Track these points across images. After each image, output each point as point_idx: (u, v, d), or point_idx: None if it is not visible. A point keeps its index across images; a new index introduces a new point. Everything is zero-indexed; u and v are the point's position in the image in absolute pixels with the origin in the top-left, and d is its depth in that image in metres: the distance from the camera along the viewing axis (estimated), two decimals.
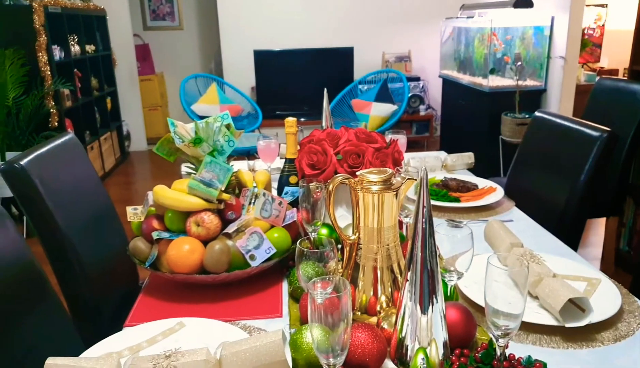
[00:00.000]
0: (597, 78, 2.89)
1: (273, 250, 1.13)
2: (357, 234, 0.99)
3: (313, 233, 1.19)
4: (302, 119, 5.05)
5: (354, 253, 1.00)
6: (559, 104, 3.76)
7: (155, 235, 1.13)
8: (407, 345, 0.81)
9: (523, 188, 1.80)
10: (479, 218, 1.52)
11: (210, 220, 1.12)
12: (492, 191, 1.67)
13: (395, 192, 0.95)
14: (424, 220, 0.77)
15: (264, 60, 5.06)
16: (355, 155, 1.25)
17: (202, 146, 1.16)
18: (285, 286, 1.16)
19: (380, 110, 4.33)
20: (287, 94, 5.18)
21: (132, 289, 1.74)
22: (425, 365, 0.77)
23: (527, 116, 3.67)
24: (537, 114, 1.86)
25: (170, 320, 1.00)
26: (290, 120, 1.37)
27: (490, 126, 3.89)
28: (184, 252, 1.08)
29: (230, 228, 1.13)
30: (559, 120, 1.74)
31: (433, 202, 1.58)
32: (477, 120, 4.12)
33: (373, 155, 1.25)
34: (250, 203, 1.19)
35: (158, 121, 6.02)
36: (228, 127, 1.19)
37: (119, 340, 0.94)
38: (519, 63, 3.78)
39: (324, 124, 1.68)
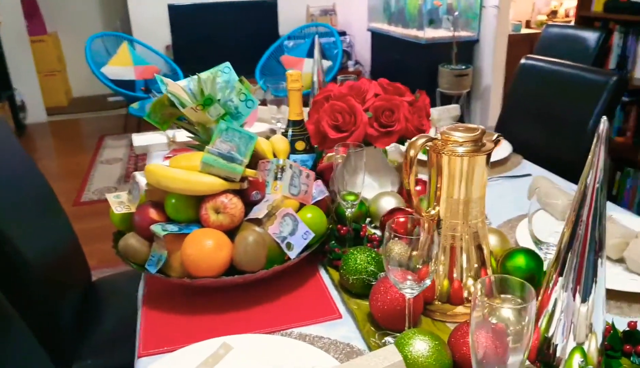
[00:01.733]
0: (544, 26, 2.89)
1: (311, 234, 0.91)
2: (436, 208, 0.81)
3: (350, 209, 0.99)
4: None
5: (431, 232, 0.81)
6: (493, 55, 3.78)
7: (159, 229, 0.85)
8: (556, 345, 0.65)
9: (518, 143, 1.71)
10: (490, 176, 1.40)
11: (234, 205, 0.87)
12: (498, 145, 1.55)
13: (486, 155, 0.77)
14: (597, 185, 0.60)
15: (180, 16, 4.56)
16: (388, 111, 1.04)
17: (210, 109, 0.89)
18: (325, 277, 0.95)
19: (310, 68, 4.10)
20: (207, 52, 4.74)
21: (87, 289, 1.43)
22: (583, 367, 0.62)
23: (464, 67, 3.65)
24: (524, 61, 1.75)
25: (208, 342, 0.75)
26: (295, 73, 1.12)
27: (428, 79, 3.83)
28: (207, 250, 0.82)
29: (259, 213, 0.89)
30: (554, 67, 1.64)
31: None
32: (413, 74, 4.04)
33: (409, 111, 1.05)
34: (275, 178, 0.95)
35: (57, 88, 5.29)
36: (241, 82, 0.92)
37: None
38: (456, 13, 3.72)
39: (315, 78, 1.44)
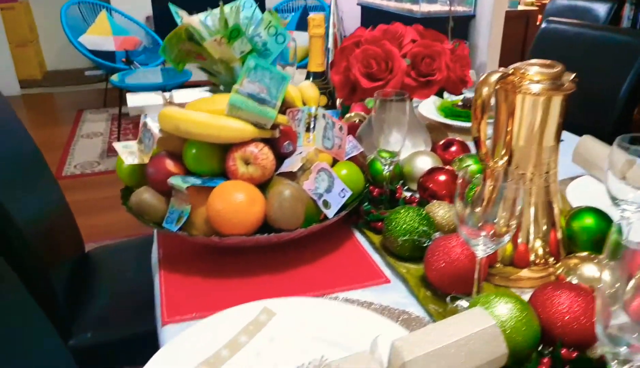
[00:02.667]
0: None
1: (348, 192, 0.80)
2: (504, 158, 0.71)
3: (388, 167, 0.88)
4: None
5: (495, 185, 0.71)
6: (490, 31, 3.70)
7: (179, 182, 0.74)
8: None
9: None
10: None
11: (265, 155, 0.75)
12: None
13: (564, 96, 0.68)
14: None
15: None
16: (428, 58, 0.94)
17: (236, 43, 0.77)
18: (363, 241, 0.85)
19: (303, 40, 3.96)
20: None
21: (80, 258, 1.31)
22: None
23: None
24: (546, 25, 1.67)
25: (245, 307, 0.65)
26: (317, 17, 1.01)
27: None
28: (239, 204, 0.71)
29: (293, 166, 0.78)
30: (580, 30, 1.56)
31: (463, 124, 1.34)
32: None
33: (451, 59, 0.95)
34: (307, 129, 0.83)
35: (30, 60, 5.02)
36: (271, 14, 0.80)
37: (178, 351, 0.58)
38: None
39: (331, 30, 1.33)
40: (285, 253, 0.80)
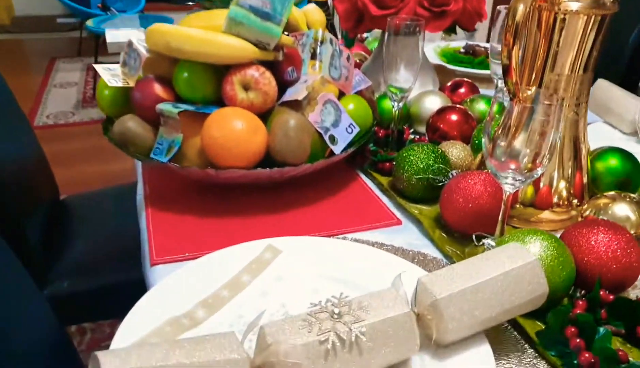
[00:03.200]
0: None
1: (355, 128, 0.73)
2: (532, 88, 0.64)
3: (398, 104, 0.81)
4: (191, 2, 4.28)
5: (521, 118, 0.65)
6: None
7: (169, 108, 0.65)
8: None
9: None
10: None
11: (267, 80, 0.67)
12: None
13: (605, 15, 0.61)
14: None
15: None
16: None
17: None
18: (369, 183, 0.79)
19: None
20: None
21: (55, 206, 1.22)
22: None
23: None
24: None
25: (246, 246, 0.58)
26: None
27: None
28: (238, 132, 0.63)
29: (297, 94, 0.70)
30: None
31: (467, 70, 1.27)
32: None
33: None
34: (313, 56, 0.75)
35: None
36: None
37: (171, 291, 0.51)
38: None
39: None
40: (285, 194, 0.73)
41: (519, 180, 0.56)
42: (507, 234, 0.54)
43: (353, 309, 0.43)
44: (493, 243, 0.58)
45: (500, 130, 0.56)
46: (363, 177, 0.80)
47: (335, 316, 0.42)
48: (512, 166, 0.56)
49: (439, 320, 0.44)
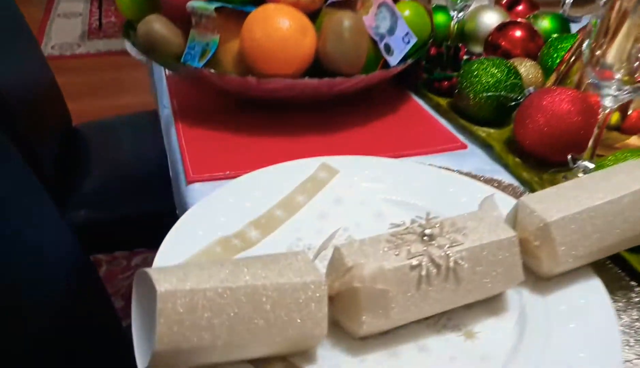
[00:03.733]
0: None
1: (413, 37, 0.63)
2: None
3: (458, 15, 0.71)
4: None
5: (622, 20, 0.55)
6: None
7: (203, 5, 0.56)
8: None
9: None
10: None
11: None
12: None
13: None
14: None
15: None
16: None
17: None
18: (421, 102, 0.70)
19: None
20: None
21: (68, 133, 1.14)
22: None
23: None
24: None
25: (297, 164, 0.50)
26: None
27: None
28: (285, 33, 0.54)
29: None
30: None
31: None
32: None
33: None
34: None
35: None
36: None
37: (215, 210, 0.43)
38: None
39: None
40: (331, 113, 0.64)
41: (625, 90, 0.47)
42: (617, 152, 0.46)
43: (447, 231, 0.35)
44: (591, 166, 0.50)
45: (603, 34, 0.47)
46: (415, 98, 0.71)
47: (426, 238, 0.34)
48: (617, 76, 0.47)
49: (548, 247, 0.36)
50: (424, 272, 0.33)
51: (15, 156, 0.64)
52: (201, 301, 0.27)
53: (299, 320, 0.30)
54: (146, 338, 0.29)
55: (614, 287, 0.42)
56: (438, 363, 0.33)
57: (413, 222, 0.36)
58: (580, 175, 0.52)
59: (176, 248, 0.38)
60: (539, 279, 0.38)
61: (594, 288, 0.38)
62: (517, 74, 0.62)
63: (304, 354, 0.32)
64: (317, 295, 0.31)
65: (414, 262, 0.33)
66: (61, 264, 0.66)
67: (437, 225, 0.35)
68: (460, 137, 0.62)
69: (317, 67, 0.59)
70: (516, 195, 0.53)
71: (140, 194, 1.03)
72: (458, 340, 0.35)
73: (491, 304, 0.37)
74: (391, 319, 0.33)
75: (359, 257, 0.33)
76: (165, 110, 0.66)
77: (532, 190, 0.53)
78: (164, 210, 0.99)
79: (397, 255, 0.33)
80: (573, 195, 0.38)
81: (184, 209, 0.51)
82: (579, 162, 0.50)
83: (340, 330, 0.34)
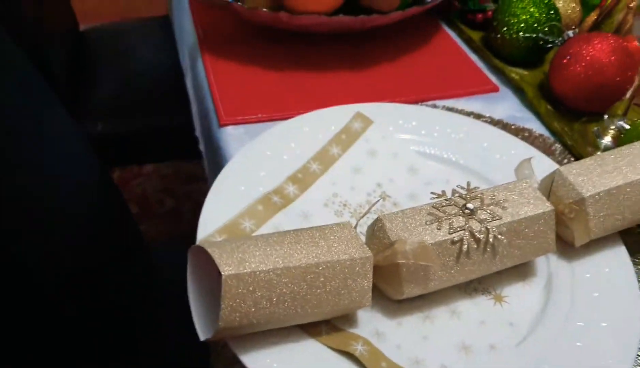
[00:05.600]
0: None
1: None
2: None
3: None
4: None
5: None
6: None
7: None
8: None
9: None
10: None
11: None
12: None
13: None
14: None
15: None
16: None
17: None
18: (452, 35, 0.67)
19: None
20: None
21: (75, 38, 1.10)
22: None
23: None
24: None
25: (332, 110, 0.49)
26: None
27: None
28: None
29: None
30: None
31: None
32: None
33: None
34: None
35: None
36: None
37: (253, 163, 0.44)
38: None
39: None
40: (364, 48, 0.62)
41: None
42: None
43: (487, 204, 0.36)
44: (627, 127, 0.50)
45: None
46: (447, 29, 0.68)
47: (467, 211, 0.35)
48: None
49: (581, 220, 0.38)
50: (465, 247, 0.34)
51: (26, 64, 0.61)
52: (261, 282, 0.29)
53: (347, 293, 0.32)
54: (206, 309, 0.31)
55: (637, 249, 0.45)
56: (469, 327, 0.36)
57: (454, 192, 0.37)
58: (611, 131, 0.52)
59: (220, 206, 0.39)
60: (567, 245, 0.40)
61: (619, 256, 0.40)
62: (557, 14, 0.59)
63: (346, 316, 0.35)
64: (364, 269, 0.33)
65: (456, 237, 0.34)
66: (81, 181, 0.67)
67: (477, 198, 0.36)
68: (492, 78, 0.61)
69: (350, 1, 0.56)
70: (546, 146, 0.53)
71: (153, 107, 1.02)
72: (488, 303, 0.37)
73: (520, 269, 0.39)
74: (429, 288, 0.35)
75: (402, 230, 0.34)
76: (189, 38, 0.63)
77: (562, 142, 0.53)
78: (176, 125, 0.99)
79: (438, 229, 0.35)
80: (611, 168, 0.39)
81: (215, 151, 0.51)
82: (616, 121, 0.50)
83: (378, 291, 0.37)
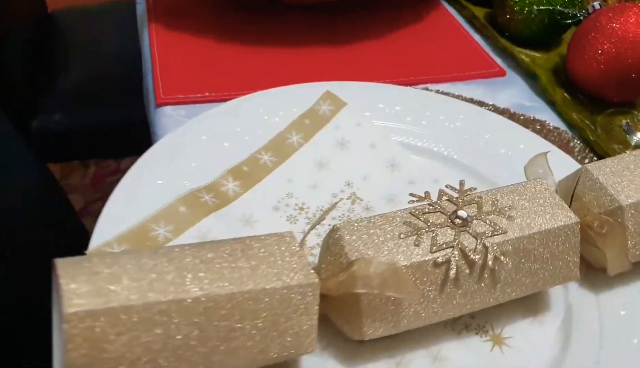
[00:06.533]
0: None
1: None
2: None
3: None
4: None
5: None
6: None
7: None
8: None
9: None
10: None
11: None
12: None
13: None
14: None
15: None
16: None
17: None
18: (453, 12, 0.57)
19: None
20: None
21: (41, 20, 1.01)
22: None
23: None
24: None
25: (295, 88, 0.39)
26: None
27: None
28: None
29: None
30: None
31: None
32: None
33: None
34: None
35: None
36: None
37: (185, 150, 0.34)
38: None
39: None
40: (344, 20, 0.52)
41: None
42: None
43: (487, 212, 0.26)
44: None
45: None
46: (446, 5, 0.58)
47: (459, 221, 0.25)
48: None
49: (617, 237, 0.27)
50: (452, 272, 0.24)
51: None
52: (129, 321, 0.19)
53: (278, 336, 0.22)
54: (61, 347, 0.21)
55: None
56: None
57: (442, 194, 0.27)
58: None
59: (128, 206, 0.29)
60: (593, 270, 0.30)
61: None
62: None
63: (283, 364, 0.25)
64: (306, 301, 0.23)
65: (440, 258, 0.24)
66: (19, 177, 0.58)
67: (474, 202, 0.26)
68: (498, 61, 0.51)
69: None
70: (562, 142, 0.43)
71: (125, 97, 0.92)
72: (483, 347, 0.27)
73: (528, 301, 0.29)
74: (401, 327, 0.25)
75: (365, 246, 0.24)
76: (139, 8, 0.54)
77: (583, 137, 0.43)
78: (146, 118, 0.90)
79: (416, 245, 0.24)
80: None
81: (153, 139, 0.41)
82: None
83: (331, 325, 0.26)
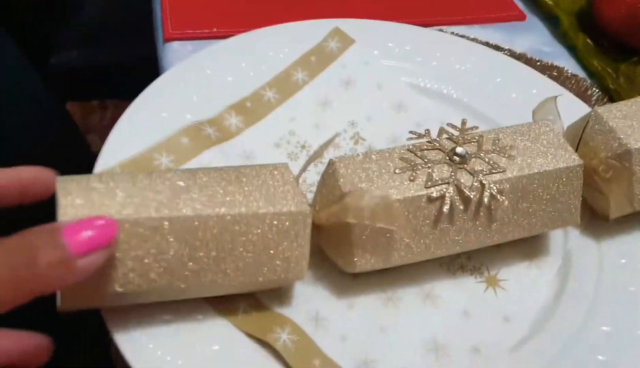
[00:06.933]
0: None
1: None
2: None
3: None
4: None
5: None
6: None
7: None
8: None
9: None
10: None
11: None
12: None
13: None
14: None
15: None
16: None
17: None
18: None
19: None
20: None
21: None
22: None
23: None
24: None
25: (303, 25, 0.38)
26: None
27: None
28: None
29: None
30: None
31: None
32: None
33: None
34: None
35: None
36: None
37: (189, 84, 0.34)
38: None
39: None
40: None
41: None
42: None
43: (486, 150, 0.26)
44: None
45: None
46: None
47: (457, 158, 0.25)
48: None
49: (623, 181, 0.27)
50: (446, 207, 0.24)
51: None
52: (120, 234, 0.20)
53: (269, 260, 0.22)
54: None
55: None
56: (447, 318, 0.26)
57: (442, 132, 0.26)
58: None
59: (131, 136, 0.30)
60: (596, 216, 0.30)
61: None
62: None
63: (276, 290, 0.26)
64: (296, 228, 0.23)
65: (435, 193, 0.24)
66: (36, 114, 0.59)
67: (474, 141, 0.26)
68: (520, 4, 0.49)
69: None
70: (580, 90, 0.42)
71: (141, 35, 0.92)
72: (477, 288, 0.27)
73: (526, 245, 0.29)
74: (392, 261, 0.25)
75: (360, 179, 0.24)
76: None
77: (603, 85, 0.41)
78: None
79: (411, 180, 0.24)
80: None
81: (161, 73, 0.41)
82: None
83: (326, 259, 0.27)
